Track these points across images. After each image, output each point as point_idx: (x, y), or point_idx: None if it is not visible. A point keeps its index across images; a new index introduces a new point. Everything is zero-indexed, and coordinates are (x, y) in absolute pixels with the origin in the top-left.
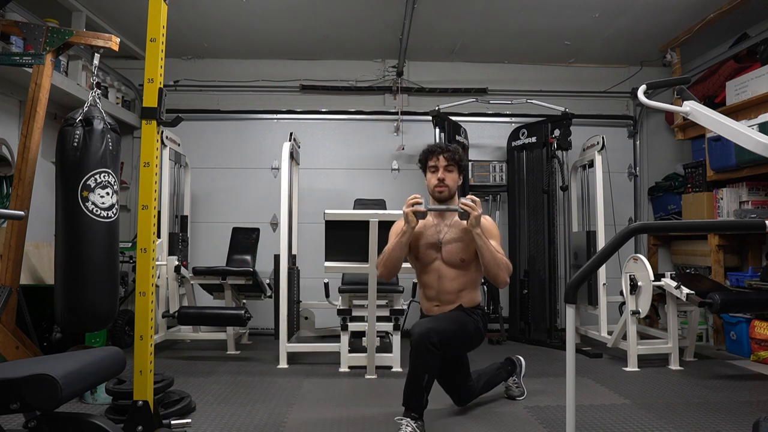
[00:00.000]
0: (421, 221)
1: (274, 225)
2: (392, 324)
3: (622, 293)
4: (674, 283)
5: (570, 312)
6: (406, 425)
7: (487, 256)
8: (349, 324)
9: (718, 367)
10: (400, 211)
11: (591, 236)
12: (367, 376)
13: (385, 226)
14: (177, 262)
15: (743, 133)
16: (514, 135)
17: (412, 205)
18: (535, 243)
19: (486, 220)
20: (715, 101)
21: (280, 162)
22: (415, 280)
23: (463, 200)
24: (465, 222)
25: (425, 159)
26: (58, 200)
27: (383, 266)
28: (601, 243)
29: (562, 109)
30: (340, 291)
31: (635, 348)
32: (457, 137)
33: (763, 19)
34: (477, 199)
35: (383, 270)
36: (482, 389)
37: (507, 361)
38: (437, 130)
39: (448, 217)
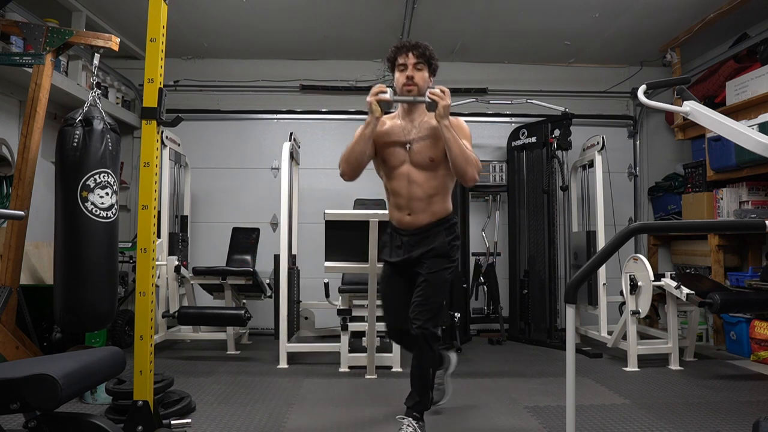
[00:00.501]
0: (388, 122)
1: (274, 225)
2: None
3: (622, 293)
4: (674, 283)
5: (570, 312)
6: (408, 425)
7: (455, 149)
8: (349, 324)
9: (718, 367)
10: None
11: (591, 236)
12: (367, 376)
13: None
14: (177, 262)
15: (743, 133)
16: (514, 135)
17: (377, 94)
18: (535, 243)
19: (456, 120)
20: (715, 101)
21: (280, 162)
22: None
23: (431, 90)
24: (434, 118)
25: (394, 57)
26: (57, 200)
27: (345, 162)
28: (601, 243)
29: (562, 109)
30: (340, 291)
31: (635, 348)
32: None
33: (763, 19)
34: (446, 89)
35: (346, 166)
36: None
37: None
38: None
39: (417, 118)
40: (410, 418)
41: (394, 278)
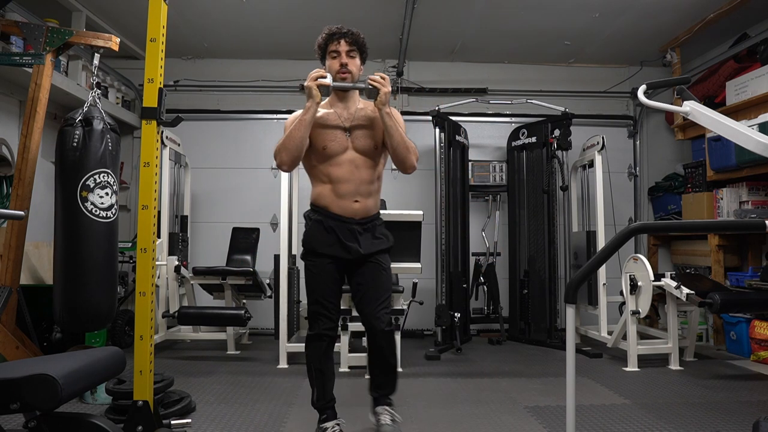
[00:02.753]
0: (321, 109)
1: (274, 225)
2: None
3: (622, 293)
4: (674, 283)
5: (570, 312)
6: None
7: (396, 137)
8: (349, 324)
9: (718, 367)
10: (400, 211)
11: (591, 236)
12: (367, 376)
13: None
14: (177, 262)
15: (743, 133)
16: (514, 135)
17: (316, 79)
18: (535, 243)
19: (392, 108)
20: (715, 101)
21: None
22: (415, 280)
23: (371, 76)
24: (371, 108)
25: (325, 44)
26: (57, 200)
27: (285, 150)
28: (601, 243)
29: (562, 109)
30: None
31: (635, 348)
32: (457, 137)
33: (763, 19)
34: (386, 75)
35: (286, 155)
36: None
37: None
38: (437, 129)
39: (351, 106)
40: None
41: (330, 271)
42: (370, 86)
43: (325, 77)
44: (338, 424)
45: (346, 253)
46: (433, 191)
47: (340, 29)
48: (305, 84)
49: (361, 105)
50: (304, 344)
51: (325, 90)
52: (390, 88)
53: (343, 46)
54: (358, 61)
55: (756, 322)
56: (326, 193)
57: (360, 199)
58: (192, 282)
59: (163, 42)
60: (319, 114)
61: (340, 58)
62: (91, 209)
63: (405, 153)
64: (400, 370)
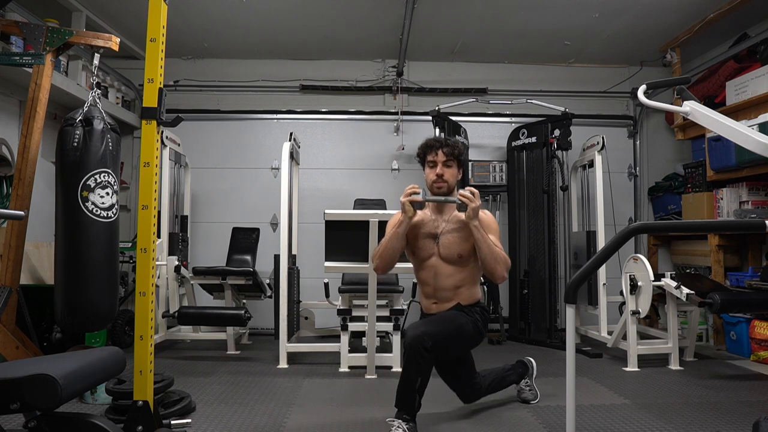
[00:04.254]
0: (419, 214)
1: (274, 225)
2: (392, 324)
3: (622, 293)
4: (674, 283)
5: (570, 312)
6: (398, 427)
7: (484, 249)
8: (349, 324)
9: (718, 367)
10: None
11: (591, 236)
12: (367, 376)
13: (384, 226)
14: (177, 262)
15: (743, 133)
16: (514, 135)
17: (410, 194)
18: (535, 243)
19: (485, 214)
20: (715, 101)
21: (280, 162)
22: (415, 280)
23: (461, 192)
24: (463, 215)
25: (424, 154)
26: (58, 200)
27: (379, 258)
28: (601, 243)
29: (562, 109)
30: (340, 291)
31: (635, 348)
32: (457, 137)
33: (763, 19)
34: (476, 190)
35: (379, 262)
36: (489, 388)
37: (518, 364)
38: (437, 130)
39: (447, 212)
40: (400, 420)
41: None
42: (459, 201)
43: (417, 193)
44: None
45: None
46: None
47: (439, 140)
48: (400, 200)
49: (456, 211)
50: (303, 344)
51: (418, 205)
52: (479, 203)
53: (440, 156)
54: (454, 170)
55: (756, 322)
56: (420, 292)
57: (438, 303)
58: (192, 282)
59: (163, 42)
60: (417, 218)
61: (436, 169)
62: (92, 209)
63: (493, 265)
64: (399, 370)
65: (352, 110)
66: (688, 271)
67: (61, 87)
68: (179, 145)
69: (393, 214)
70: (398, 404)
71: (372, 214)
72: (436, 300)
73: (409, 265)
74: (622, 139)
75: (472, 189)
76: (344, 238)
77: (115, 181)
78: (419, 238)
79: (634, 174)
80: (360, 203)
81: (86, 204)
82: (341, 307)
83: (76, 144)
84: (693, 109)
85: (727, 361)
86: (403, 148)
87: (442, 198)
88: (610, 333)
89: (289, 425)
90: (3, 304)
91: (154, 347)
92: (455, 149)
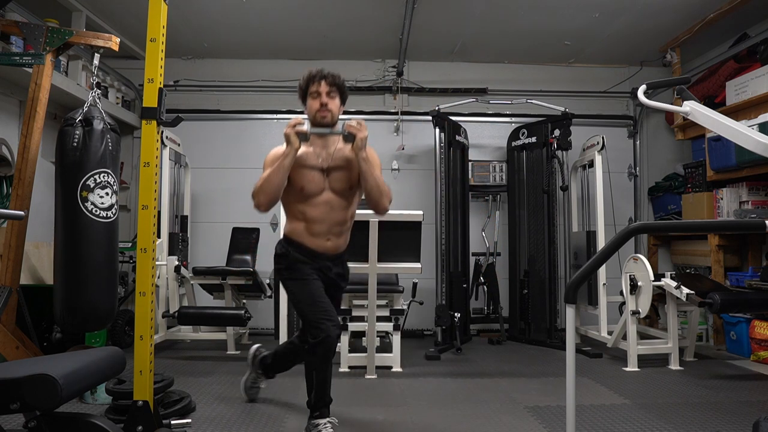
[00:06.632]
0: (303, 148)
1: (274, 225)
2: (392, 324)
3: (622, 293)
4: (674, 283)
5: (570, 312)
6: (330, 426)
7: (371, 181)
8: (349, 324)
9: (718, 367)
10: (400, 211)
11: (591, 236)
12: (367, 376)
13: (385, 226)
14: (177, 262)
15: (743, 133)
16: (514, 135)
17: (294, 125)
18: (535, 243)
19: (369, 149)
20: (715, 101)
21: None
22: (415, 280)
23: (348, 122)
24: (349, 148)
25: (306, 86)
26: (57, 200)
27: (263, 193)
28: (601, 243)
29: (562, 109)
30: None
31: (635, 348)
32: (457, 137)
33: (763, 19)
34: (362, 121)
35: (263, 197)
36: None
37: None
38: (437, 130)
39: (331, 146)
40: (328, 418)
41: (317, 277)
42: (346, 132)
43: (302, 124)
44: (330, 422)
45: (322, 274)
46: (433, 191)
47: (320, 71)
48: (284, 131)
49: (339, 145)
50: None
51: (303, 136)
52: (366, 134)
53: (323, 87)
54: (338, 101)
55: (756, 322)
56: (301, 230)
57: (332, 238)
58: (192, 282)
59: (163, 42)
60: (301, 151)
61: (320, 98)
62: (92, 209)
63: (378, 197)
64: (399, 369)
65: (352, 110)
66: (688, 271)
67: (61, 87)
68: (179, 145)
69: (393, 214)
70: (319, 404)
71: (371, 214)
72: (329, 237)
73: (410, 264)
74: (622, 139)
75: (359, 120)
76: None
77: (114, 182)
78: (306, 173)
79: (634, 174)
80: (360, 203)
81: (86, 204)
82: (341, 307)
83: (75, 144)
84: (693, 109)
85: (727, 361)
86: (403, 148)
87: (328, 130)
88: (610, 333)
89: (288, 425)
90: (3, 304)
91: (154, 347)
92: (338, 80)
